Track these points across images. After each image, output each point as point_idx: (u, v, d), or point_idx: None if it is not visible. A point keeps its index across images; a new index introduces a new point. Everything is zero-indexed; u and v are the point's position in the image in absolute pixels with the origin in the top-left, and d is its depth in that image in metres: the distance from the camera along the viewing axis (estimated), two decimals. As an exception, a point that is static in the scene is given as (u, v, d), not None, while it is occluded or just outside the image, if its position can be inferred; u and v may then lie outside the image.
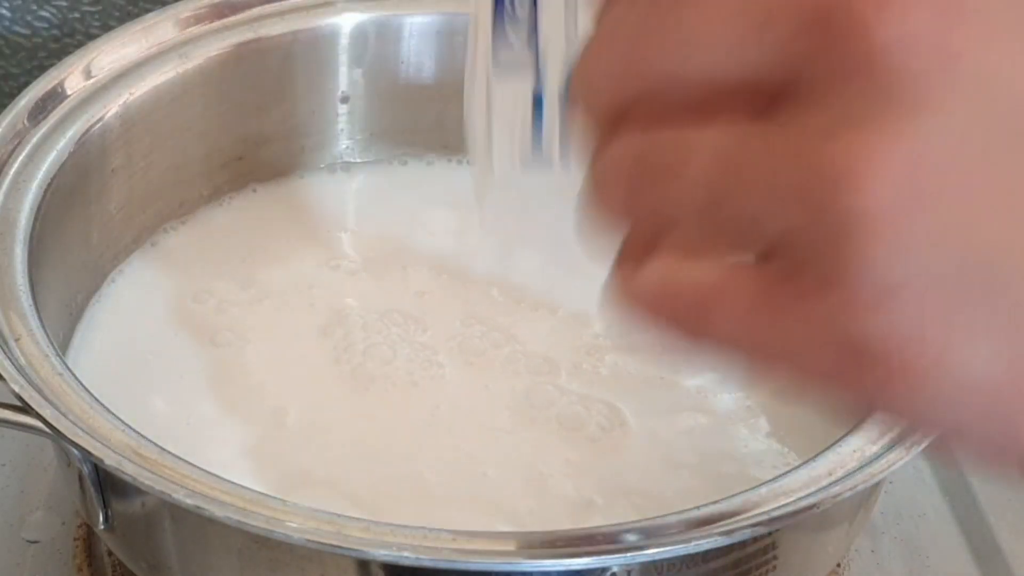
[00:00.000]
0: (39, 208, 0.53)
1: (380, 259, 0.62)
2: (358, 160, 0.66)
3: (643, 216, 0.28)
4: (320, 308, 0.59)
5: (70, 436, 0.44)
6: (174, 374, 0.56)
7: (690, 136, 0.27)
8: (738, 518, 0.43)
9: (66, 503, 0.58)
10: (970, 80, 0.25)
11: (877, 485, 0.50)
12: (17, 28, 0.73)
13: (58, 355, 0.47)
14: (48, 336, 0.48)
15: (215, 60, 0.61)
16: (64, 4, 0.72)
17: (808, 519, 0.44)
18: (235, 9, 0.62)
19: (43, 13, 0.72)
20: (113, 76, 0.58)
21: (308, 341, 0.57)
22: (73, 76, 0.57)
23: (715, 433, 0.55)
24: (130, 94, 0.58)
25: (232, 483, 0.43)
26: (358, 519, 0.42)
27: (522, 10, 0.42)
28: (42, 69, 0.63)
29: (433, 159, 0.67)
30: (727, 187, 0.26)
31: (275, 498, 0.42)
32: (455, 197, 0.65)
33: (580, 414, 0.54)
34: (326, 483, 0.51)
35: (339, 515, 0.42)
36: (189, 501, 0.42)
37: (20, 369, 0.46)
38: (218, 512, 0.42)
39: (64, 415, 0.44)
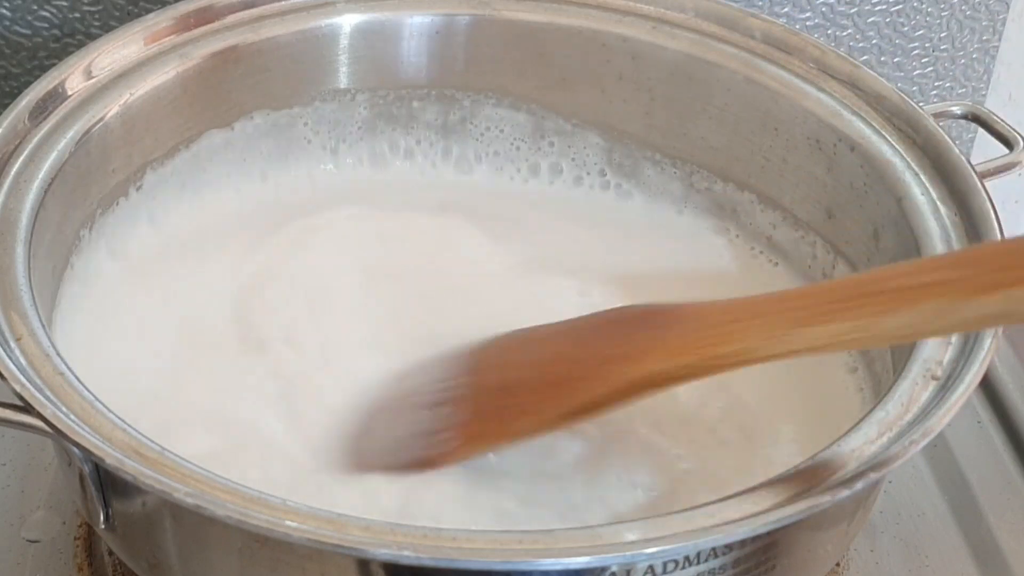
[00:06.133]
0: (39, 208, 0.53)
1: (375, 258, 0.62)
2: (358, 159, 0.66)
3: None
4: (324, 299, 0.59)
5: (71, 435, 0.44)
6: (177, 371, 0.56)
7: None
8: (737, 517, 0.43)
9: (67, 502, 0.58)
10: None
11: (876, 484, 0.50)
12: (17, 28, 0.73)
13: (59, 355, 0.47)
14: (49, 336, 0.48)
15: (215, 60, 0.61)
16: (64, 4, 0.72)
17: (807, 519, 0.44)
18: (235, 9, 0.62)
19: (43, 13, 0.72)
20: (113, 76, 0.58)
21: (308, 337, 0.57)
22: (73, 76, 0.57)
23: (710, 433, 0.55)
24: (130, 94, 0.58)
25: (233, 482, 0.43)
26: (358, 518, 0.42)
27: None
28: (43, 69, 0.63)
29: (433, 157, 0.67)
30: None
31: (275, 497, 0.42)
32: (454, 198, 0.65)
33: None
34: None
35: (339, 514, 0.42)
36: (190, 500, 0.42)
37: (21, 369, 0.46)
38: (218, 511, 0.42)
39: (65, 415, 0.44)
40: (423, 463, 0.50)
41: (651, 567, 0.44)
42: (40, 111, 0.56)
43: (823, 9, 0.78)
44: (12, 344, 0.47)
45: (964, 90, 0.83)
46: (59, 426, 0.44)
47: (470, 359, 0.52)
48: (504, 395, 0.50)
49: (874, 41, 0.80)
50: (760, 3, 0.76)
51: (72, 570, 0.56)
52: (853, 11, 0.78)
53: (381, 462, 0.51)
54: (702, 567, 0.44)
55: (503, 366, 0.52)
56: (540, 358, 0.51)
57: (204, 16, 0.61)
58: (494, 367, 0.52)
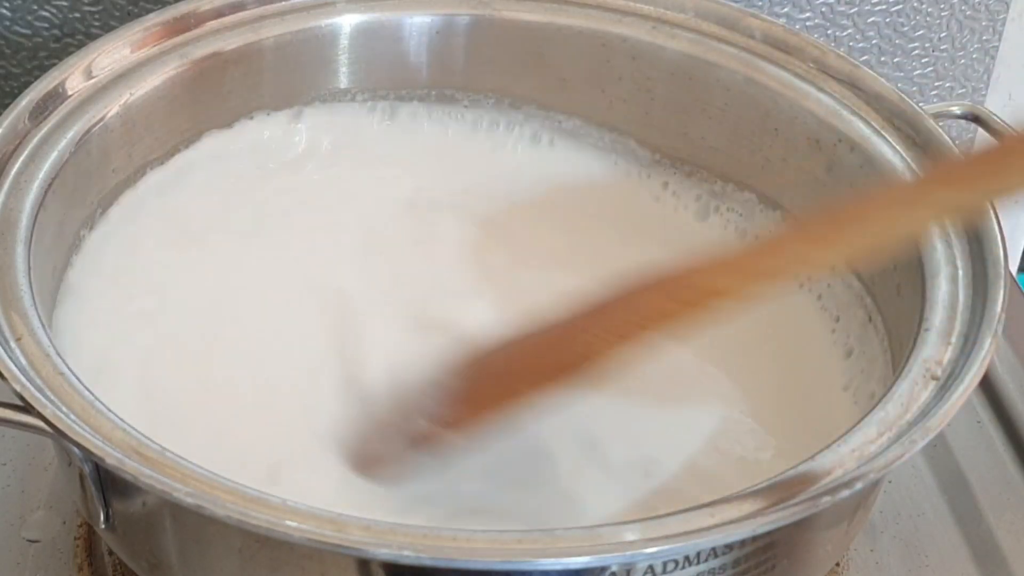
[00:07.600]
0: (39, 208, 0.53)
1: (375, 258, 0.62)
2: (357, 160, 0.66)
3: None
4: (317, 292, 0.59)
5: (71, 435, 0.44)
6: (178, 367, 0.56)
7: None
8: (737, 517, 0.43)
9: (67, 502, 0.58)
10: None
11: (876, 484, 0.50)
12: (18, 28, 0.73)
13: (59, 354, 0.47)
14: (49, 336, 0.48)
15: (215, 60, 0.61)
16: (65, 4, 0.72)
17: (807, 519, 0.44)
18: (235, 9, 0.62)
19: (44, 13, 0.73)
20: (113, 76, 0.58)
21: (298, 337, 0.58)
22: (74, 76, 0.57)
23: (711, 433, 0.55)
24: (130, 94, 0.58)
25: (233, 482, 0.43)
26: (358, 518, 0.42)
27: None
28: (43, 69, 0.63)
29: (433, 157, 0.67)
30: None
31: (275, 497, 0.42)
32: (453, 197, 0.65)
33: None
34: None
35: (339, 514, 0.42)
36: (190, 500, 0.42)
37: (21, 369, 0.46)
38: (219, 511, 0.42)
39: (65, 415, 0.44)
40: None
41: (651, 567, 0.44)
42: (40, 111, 0.56)
43: (823, 9, 0.78)
44: (12, 344, 0.47)
45: (964, 90, 0.83)
46: (59, 426, 0.44)
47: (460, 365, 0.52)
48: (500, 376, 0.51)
49: (874, 41, 0.80)
50: (760, 3, 0.76)
51: (72, 570, 0.56)
52: (853, 11, 0.78)
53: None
54: (702, 567, 0.44)
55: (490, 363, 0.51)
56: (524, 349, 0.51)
57: (204, 16, 0.61)
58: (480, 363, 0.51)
